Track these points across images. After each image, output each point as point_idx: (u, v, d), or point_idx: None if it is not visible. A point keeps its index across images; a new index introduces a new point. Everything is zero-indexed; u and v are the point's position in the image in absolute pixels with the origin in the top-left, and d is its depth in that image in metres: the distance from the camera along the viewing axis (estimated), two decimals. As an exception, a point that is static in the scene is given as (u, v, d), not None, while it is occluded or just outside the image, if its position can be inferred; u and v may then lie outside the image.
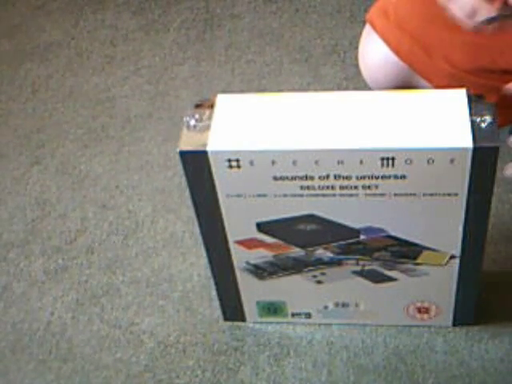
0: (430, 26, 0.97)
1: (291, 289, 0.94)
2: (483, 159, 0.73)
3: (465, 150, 0.72)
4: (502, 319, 0.98)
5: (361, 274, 0.90)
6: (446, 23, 0.97)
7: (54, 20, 1.58)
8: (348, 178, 0.76)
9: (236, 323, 1.01)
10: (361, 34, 1.08)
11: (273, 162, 0.76)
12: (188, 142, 0.77)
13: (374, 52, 1.03)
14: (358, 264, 0.89)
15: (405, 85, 1.01)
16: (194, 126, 0.78)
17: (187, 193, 0.83)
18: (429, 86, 1.00)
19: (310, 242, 0.86)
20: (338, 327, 0.99)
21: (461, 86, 0.78)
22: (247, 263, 0.90)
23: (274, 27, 1.49)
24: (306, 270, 0.90)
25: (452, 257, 0.86)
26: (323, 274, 0.90)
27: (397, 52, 0.98)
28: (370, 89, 1.09)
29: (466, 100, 0.76)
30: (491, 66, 0.96)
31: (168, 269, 1.09)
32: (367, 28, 1.05)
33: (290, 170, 0.76)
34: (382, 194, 0.78)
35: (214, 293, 1.00)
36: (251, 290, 0.95)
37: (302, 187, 0.78)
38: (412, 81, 0.99)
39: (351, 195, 0.78)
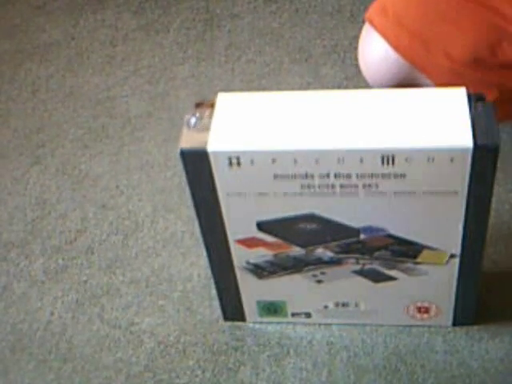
0: (428, 20, 0.97)
1: (291, 288, 0.94)
2: (483, 158, 0.73)
3: (465, 149, 0.72)
4: (501, 319, 0.98)
5: (361, 273, 0.90)
6: (443, 17, 0.97)
7: (53, 20, 1.58)
8: (348, 176, 0.76)
9: (236, 323, 1.01)
10: (361, 34, 1.09)
11: (273, 161, 0.76)
12: (188, 140, 0.77)
13: (374, 50, 1.03)
14: (358, 263, 0.88)
15: (405, 82, 1.01)
16: (195, 125, 0.78)
17: (187, 193, 0.83)
18: (430, 83, 1.00)
19: (310, 241, 0.86)
20: (337, 327, 0.99)
21: (461, 82, 0.78)
22: (247, 262, 0.90)
23: (274, 27, 1.49)
24: (306, 270, 0.90)
25: (452, 256, 0.86)
26: (323, 273, 0.90)
27: (396, 48, 0.98)
28: (370, 88, 1.08)
29: (466, 99, 0.76)
30: (490, 59, 0.96)
31: (168, 269, 1.09)
32: (366, 26, 1.05)
33: (290, 168, 0.76)
34: (382, 193, 0.78)
35: (214, 293, 1.00)
36: (251, 290, 0.95)
37: (302, 186, 0.78)
38: (412, 78, 0.99)
39: (351, 194, 0.78)
